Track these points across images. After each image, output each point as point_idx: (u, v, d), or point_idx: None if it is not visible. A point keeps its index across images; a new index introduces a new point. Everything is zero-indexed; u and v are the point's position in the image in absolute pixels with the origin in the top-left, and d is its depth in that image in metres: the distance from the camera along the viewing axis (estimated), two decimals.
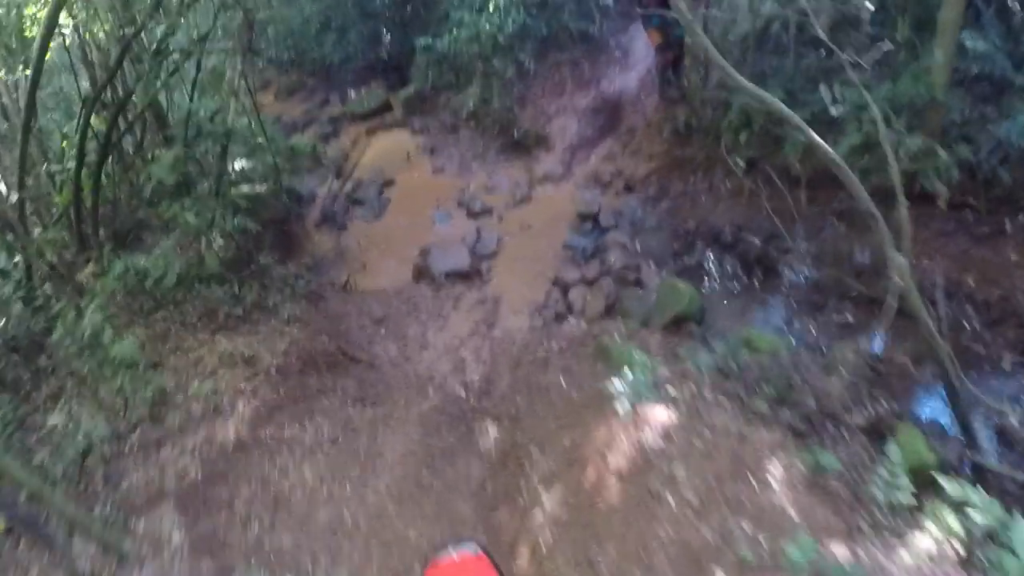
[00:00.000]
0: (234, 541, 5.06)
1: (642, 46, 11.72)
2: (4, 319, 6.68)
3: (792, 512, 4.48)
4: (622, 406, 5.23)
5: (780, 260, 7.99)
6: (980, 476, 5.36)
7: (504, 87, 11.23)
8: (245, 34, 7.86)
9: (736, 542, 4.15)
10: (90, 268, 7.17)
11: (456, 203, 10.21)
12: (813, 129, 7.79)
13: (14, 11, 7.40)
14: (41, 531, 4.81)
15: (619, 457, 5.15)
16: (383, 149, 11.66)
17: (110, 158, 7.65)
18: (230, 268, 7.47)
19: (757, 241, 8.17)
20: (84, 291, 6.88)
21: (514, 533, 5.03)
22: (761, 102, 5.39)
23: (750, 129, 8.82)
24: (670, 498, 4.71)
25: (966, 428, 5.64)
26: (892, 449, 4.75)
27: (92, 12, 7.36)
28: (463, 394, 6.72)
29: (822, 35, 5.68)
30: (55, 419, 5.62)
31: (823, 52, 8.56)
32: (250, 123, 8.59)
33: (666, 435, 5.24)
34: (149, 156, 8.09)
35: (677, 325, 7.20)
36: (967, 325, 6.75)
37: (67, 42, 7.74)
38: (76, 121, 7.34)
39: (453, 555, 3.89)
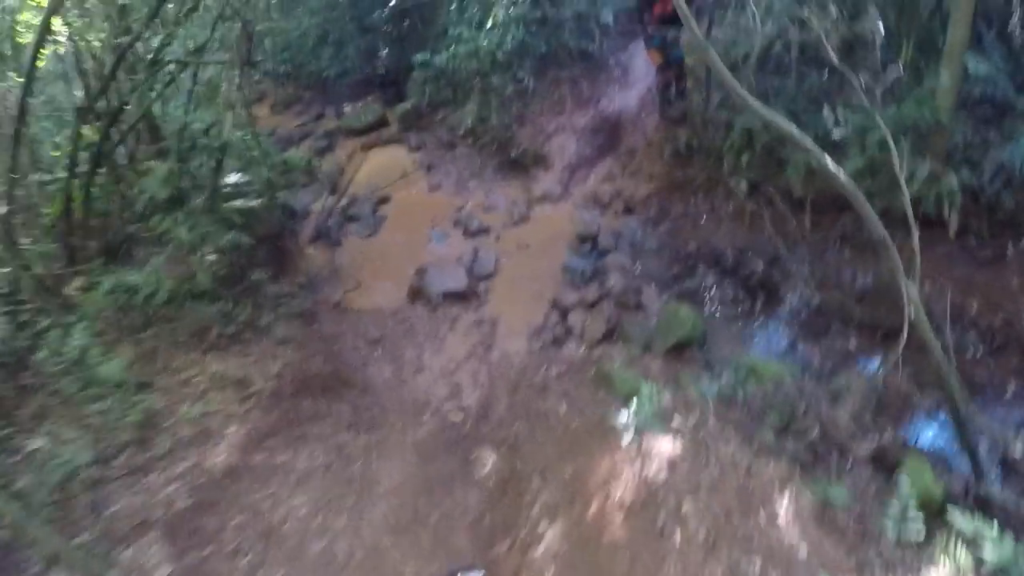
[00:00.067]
0: (223, 574, 4.86)
1: (642, 65, 11.64)
2: None
3: (802, 548, 4.40)
4: (627, 436, 5.09)
5: (782, 284, 7.87)
6: (985, 506, 5.25)
7: (502, 104, 11.12)
8: (243, 46, 7.73)
9: None
10: (79, 282, 6.98)
11: (453, 222, 10.04)
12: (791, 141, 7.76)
13: (8, 17, 7.24)
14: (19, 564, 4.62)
15: (624, 490, 5.00)
16: (379, 165, 11.50)
17: (102, 169, 7.48)
18: (222, 285, 7.29)
19: (759, 265, 8.05)
20: (72, 306, 6.68)
21: (514, 569, 4.85)
22: (773, 125, 5.25)
23: (752, 151, 8.73)
24: (677, 533, 4.57)
25: (973, 458, 5.50)
26: (902, 481, 4.65)
27: (88, 20, 7.20)
28: (460, 419, 6.53)
29: (834, 59, 5.57)
30: (38, 442, 5.42)
31: (826, 73, 8.52)
32: (245, 136, 8.44)
33: (672, 467, 5.09)
34: (142, 168, 7.90)
35: (679, 350, 7.06)
36: (970, 351, 6.65)
37: (61, 50, 7.58)
38: (68, 131, 7.17)
39: None
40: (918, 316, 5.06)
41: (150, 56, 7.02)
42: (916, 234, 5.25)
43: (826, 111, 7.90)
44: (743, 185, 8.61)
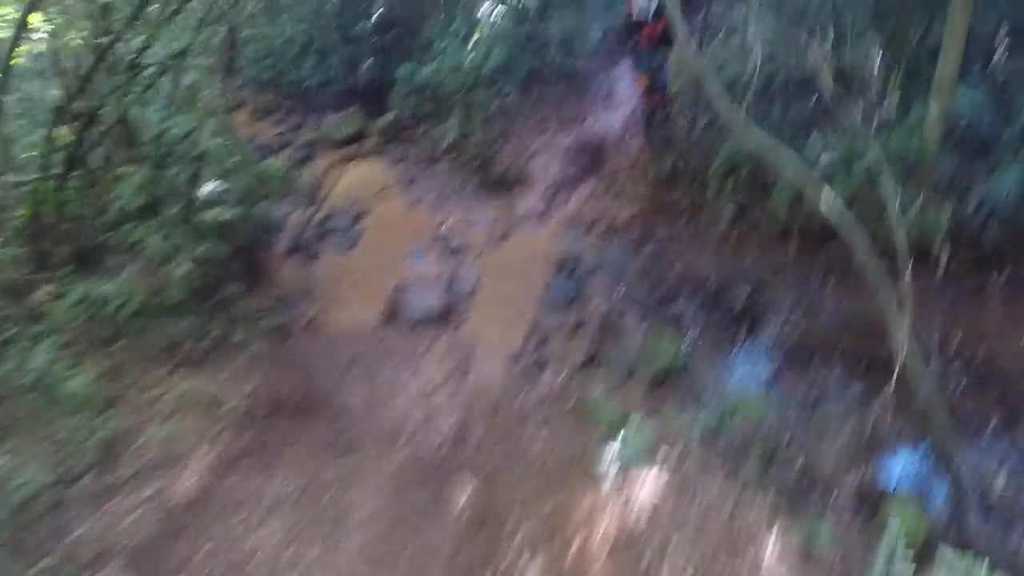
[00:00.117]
0: None
1: (627, 86, 11.58)
2: None
3: None
4: (610, 472, 4.97)
5: (766, 312, 7.81)
6: (971, 543, 5.18)
7: (486, 121, 10.99)
8: (226, 51, 7.54)
9: None
10: (47, 290, 6.71)
11: (432, 239, 9.87)
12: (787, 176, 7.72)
13: None
14: None
15: (607, 526, 4.86)
16: (358, 178, 11.30)
17: (76, 172, 7.24)
18: (195, 297, 7.06)
19: (743, 292, 7.98)
20: (39, 315, 6.41)
21: None
22: (768, 155, 5.17)
23: (737, 176, 8.66)
24: (664, 573, 4.44)
25: (959, 495, 5.47)
26: (891, 523, 4.57)
27: (68, 18, 6.99)
28: (436, 445, 6.35)
29: (829, 87, 5.51)
30: None
31: (813, 100, 8.48)
32: (224, 144, 8.22)
33: (656, 505, 4.98)
34: (117, 173, 7.67)
35: (662, 379, 6.97)
36: (953, 383, 6.62)
37: (40, 47, 7.36)
38: (43, 130, 6.94)
39: None
40: (910, 355, 4.98)
41: (130, 58, 6.79)
42: (908, 270, 5.17)
43: (815, 137, 7.93)
44: (728, 210, 8.53)
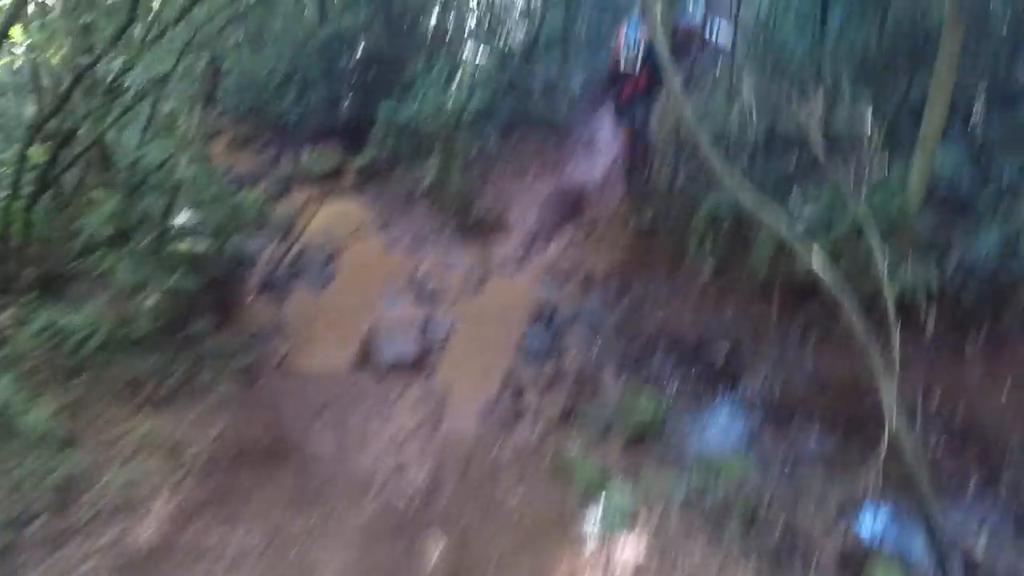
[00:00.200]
0: None
1: (608, 136, 11.60)
2: None
3: None
4: (591, 534, 4.80)
5: (745, 372, 7.73)
6: None
7: (465, 165, 10.90)
8: (208, 80, 7.38)
9: None
10: (9, 314, 6.42)
11: (407, 283, 9.68)
12: (774, 238, 7.71)
13: None
14: None
15: None
16: (333, 216, 11.11)
17: (47, 193, 6.99)
18: (162, 332, 6.79)
19: (722, 350, 7.90)
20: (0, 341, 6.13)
21: None
22: (762, 212, 5.09)
23: (717, 231, 8.64)
24: None
25: (942, 563, 5.32)
26: None
27: (49, 35, 6.79)
28: (408, 498, 6.09)
29: (819, 146, 5.46)
30: None
31: (794, 155, 8.52)
32: (200, 174, 8.01)
33: (639, 568, 4.81)
34: (90, 197, 7.43)
35: (640, 436, 6.79)
36: (932, 442, 6.57)
37: (18, 63, 7.14)
38: (15, 147, 6.70)
39: None
40: (898, 424, 4.88)
41: (110, 79, 6.60)
42: (897, 334, 5.10)
43: (796, 193, 7.93)
44: (708, 265, 8.48)
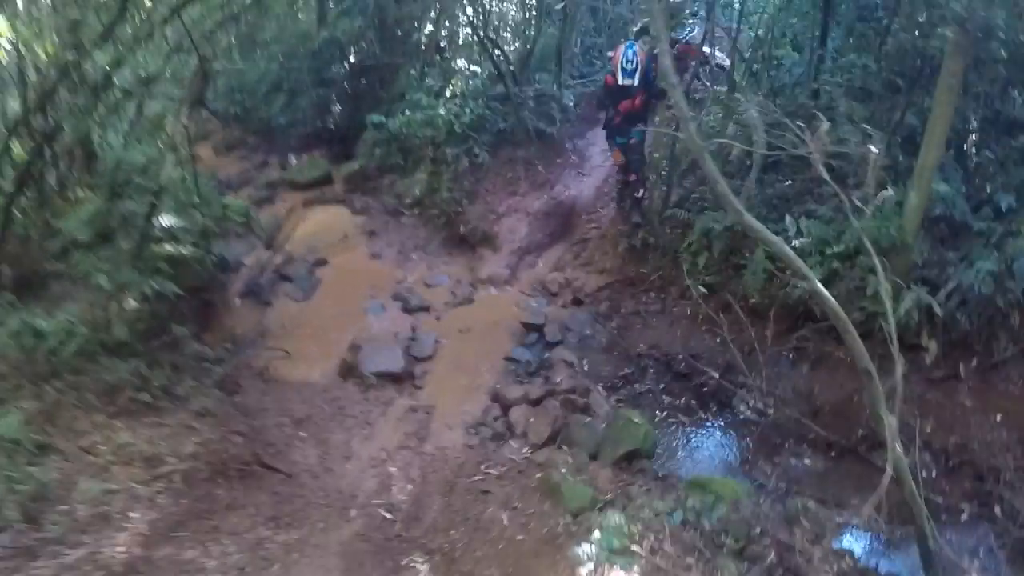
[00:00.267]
0: None
1: (600, 152, 11.51)
2: None
3: None
4: (585, 560, 4.64)
5: (736, 395, 7.65)
6: None
7: (454, 177, 10.80)
8: (196, 83, 7.20)
9: None
10: None
11: (392, 295, 9.51)
12: (771, 260, 7.65)
13: None
14: None
15: None
16: (319, 224, 10.94)
17: (28, 191, 6.81)
18: (141, 338, 6.58)
19: (714, 373, 7.78)
20: None
21: None
22: (763, 240, 4.96)
23: (710, 253, 8.58)
24: None
25: None
26: None
27: (37, 30, 6.60)
28: (389, 518, 5.88)
29: (824, 175, 5.35)
30: None
31: (788, 179, 8.46)
32: (185, 177, 7.81)
33: None
34: (71, 197, 7.22)
35: (629, 460, 6.65)
36: (924, 473, 6.40)
37: (4, 57, 6.95)
38: None
39: None
40: (898, 454, 4.75)
41: (97, 78, 6.42)
42: (900, 365, 4.98)
43: (788, 221, 7.86)
44: (699, 288, 8.38)
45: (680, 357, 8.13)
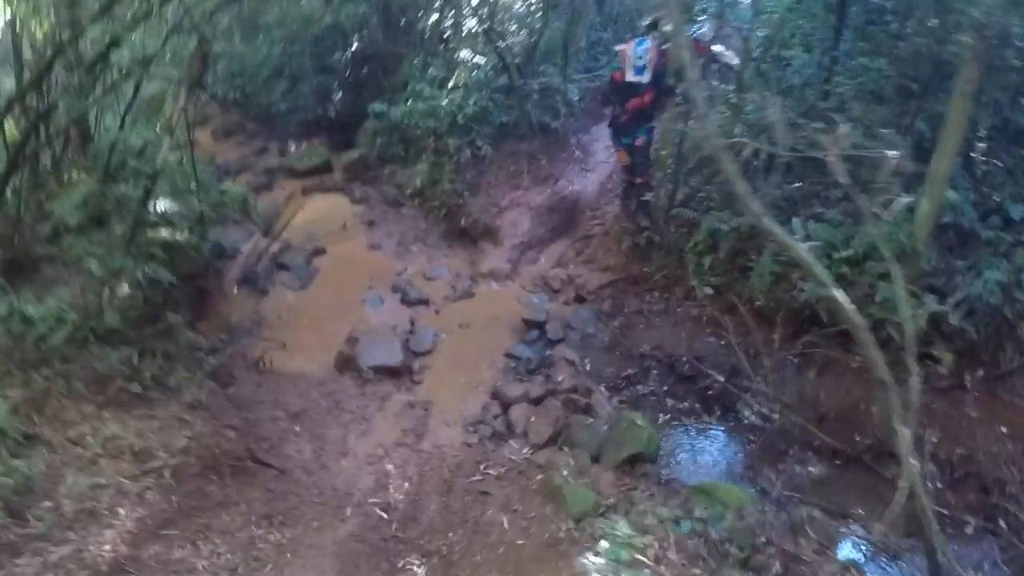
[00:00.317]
0: None
1: (604, 148, 11.32)
2: None
3: None
4: (593, 571, 4.49)
5: (741, 399, 7.51)
6: None
7: (456, 169, 10.62)
8: (196, 65, 7.00)
9: None
10: None
11: (391, 286, 9.33)
12: (778, 263, 7.51)
13: None
14: None
15: None
16: (318, 212, 10.75)
17: (21, 172, 6.61)
18: (134, 325, 6.40)
19: (718, 376, 7.64)
20: None
21: None
22: (782, 244, 4.80)
23: (716, 254, 8.42)
24: None
25: None
26: None
27: (33, 7, 6.41)
28: (385, 518, 5.71)
29: (844, 178, 5.18)
30: None
31: (795, 181, 8.31)
32: (182, 162, 7.62)
33: None
34: (65, 178, 7.03)
35: (631, 463, 6.48)
36: (930, 484, 6.33)
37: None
38: None
39: None
40: (913, 475, 4.61)
41: (93, 56, 6.24)
42: (917, 376, 4.83)
43: (796, 224, 7.71)
44: (704, 289, 8.23)
45: (684, 359, 7.98)
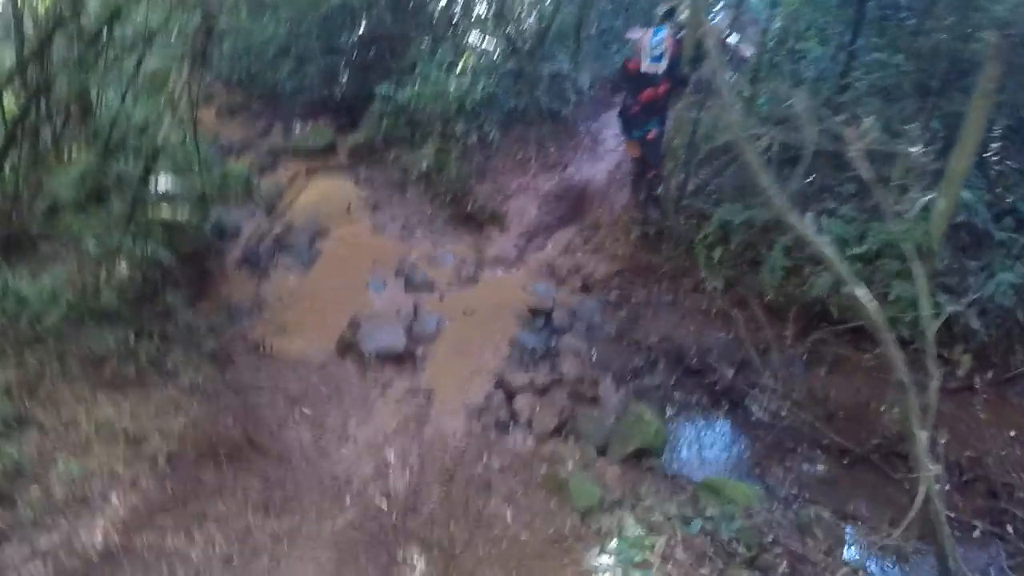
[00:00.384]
0: None
1: (614, 136, 11.15)
2: None
3: None
4: (602, 571, 4.38)
5: (750, 394, 7.41)
6: None
7: (463, 154, 10.46)
8: (200, 41, 6.83)
9: None
10: None
11: (394, 271, 9.18)
12: (789, 257, 7.39)
13: None
14: None
15: None
16: (322, 194, 10.59)
17: (19, 147, 6.44)
18: (131, 304, 6.25)
19: (727, 370, 7.55)
20: None
21: None
22: (805, 238, 4.66)
23: (727, 246, 8.28)
24: None
25: None
26: None
27: None
28: (385, 508, 5.57)
29: (865, 173, 5.04)
30: None
31: (808, 175, 8.16)
32: (185, 139, 7.45)
33: None
34: (64, 154, 6.87)
35: (638, 458, 6.37)
36: (938, 487, 6.31)
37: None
38: None
39: None
40: (923, 463, 4.49)
41: (94, 29, 6.08)
42: (937, 379, 4.71)
43: (809, 219, 7.56)
44: (713, 282, 8.10)
45: (692, 352, 7.85)
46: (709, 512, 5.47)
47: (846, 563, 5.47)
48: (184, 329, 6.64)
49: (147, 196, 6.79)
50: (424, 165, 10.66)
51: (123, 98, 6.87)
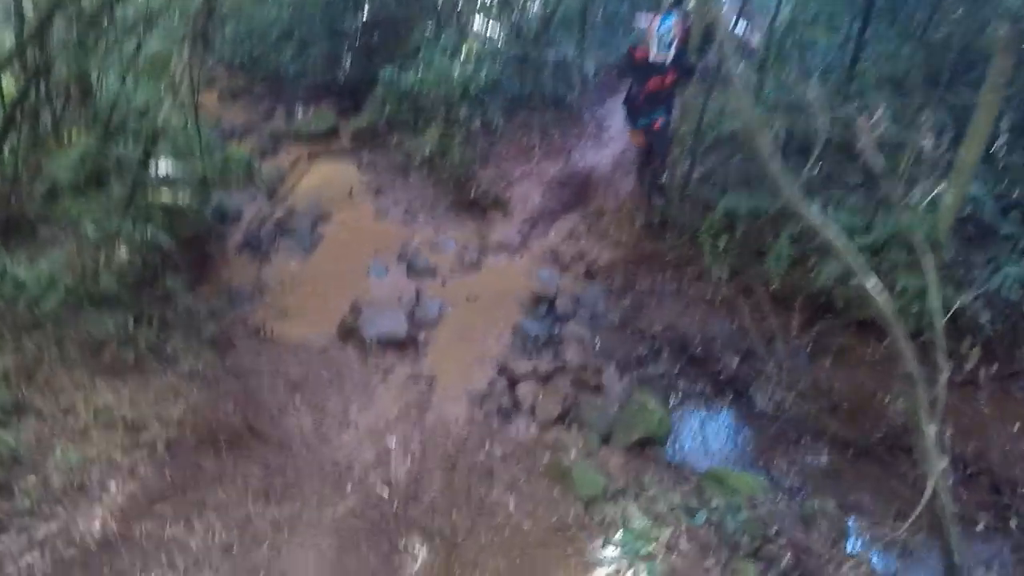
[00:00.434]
0: None
1: (619, 123, 11.06)
2: None
3: None
4: (608, 562, 4.34)
5: (754, 383, 7.35)
6: None
7: (467, 139, 10.38)
8: (201, 24, 6.75)
9: None
10: None
11: (396, 256, 9.13)
12: (795, 246, 7.31)
13: None
14: None
15: None
16: (324, 178, 10.53)
17: (19, 129, 6.39)
18: (131, 289, 6.19)
19: (731, 359, 7.50)
20: None
21: None
22: (817, 228, 4.58)
23: (731, 235, 8.20)
24: None
25: None
26: None
27: None
28: (386, 495, 5.53)
29: (874, 162, 4.96)
30: None
31: (819, 164, 8.09)
32: (186, 123, 7.37)
33: None
34: (64, 137, 6.80)
35: (642, 447, 6.33)
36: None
37: None
38: None
39: None
40: (930, 457, 4.43)
41: (95, 10, 6.00)
42: (946, 372, 4.63)
43: (815, 208, 7.48)
44: (718, 270, 8.03)
45: (696, 341, 7.79)
46: (714, 503, 5.42)
47: (850, 555, 5.43)
48: (184, 314, 6.58)
49: (147, 180, 6.73)
50: (427, 150, 10.58)
51: (123, 80, 6.79)
